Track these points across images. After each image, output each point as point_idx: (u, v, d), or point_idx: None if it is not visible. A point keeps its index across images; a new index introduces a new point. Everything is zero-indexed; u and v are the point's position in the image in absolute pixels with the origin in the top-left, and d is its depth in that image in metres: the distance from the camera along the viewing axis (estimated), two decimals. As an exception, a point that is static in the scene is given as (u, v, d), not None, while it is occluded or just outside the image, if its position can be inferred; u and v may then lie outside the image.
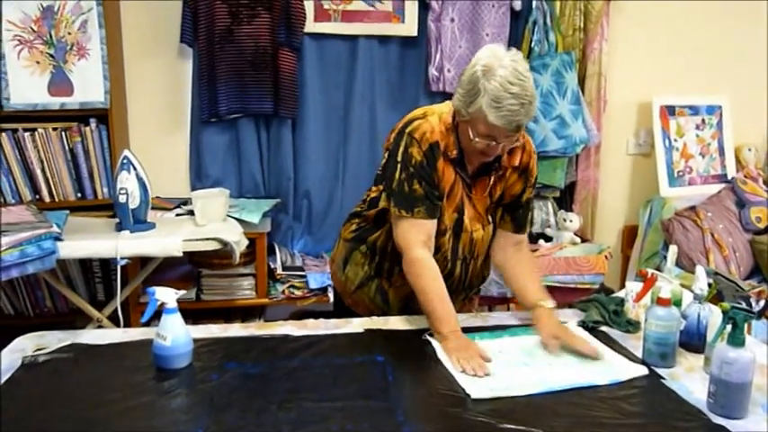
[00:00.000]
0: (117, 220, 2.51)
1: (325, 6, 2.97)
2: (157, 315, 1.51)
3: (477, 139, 1.57)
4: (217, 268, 2.83)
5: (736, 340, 1.30)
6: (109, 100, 2.69)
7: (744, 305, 1.43)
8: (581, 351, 1.55)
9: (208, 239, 2.45)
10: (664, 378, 1.47)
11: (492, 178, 1.70)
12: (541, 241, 3.16)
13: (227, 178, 3.08)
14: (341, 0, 2.97)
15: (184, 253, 2.43)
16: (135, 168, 2.44)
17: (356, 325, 1.72)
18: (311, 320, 1.74)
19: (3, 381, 1.40)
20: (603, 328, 1.73)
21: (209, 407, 1.32)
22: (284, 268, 2.96)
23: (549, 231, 3.24)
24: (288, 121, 3.03)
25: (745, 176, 3.36)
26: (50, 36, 2.64)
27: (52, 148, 2.71)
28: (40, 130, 2.69)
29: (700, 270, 1.66)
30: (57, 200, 2.74)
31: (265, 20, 2.89)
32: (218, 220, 2.64)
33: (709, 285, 1.67)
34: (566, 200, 3.36)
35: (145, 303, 1.52)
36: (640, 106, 3.44)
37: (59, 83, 2.67)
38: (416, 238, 1.63)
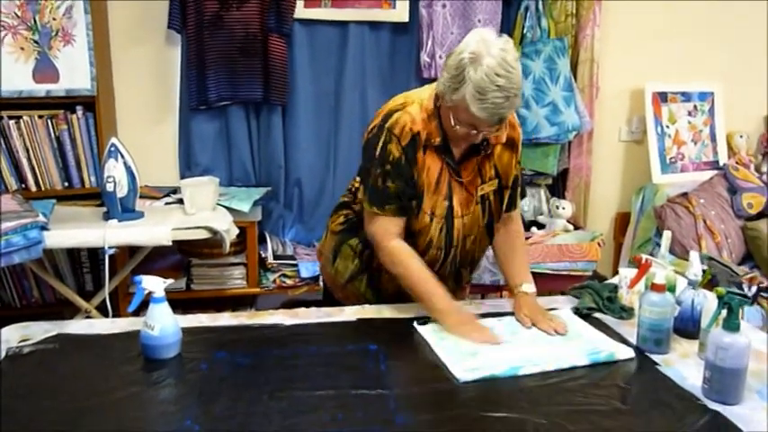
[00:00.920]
0: (105, 209, 2.48)
1: (316, -9, 2.94)
2: (147, 305, 1.48)
3: (458, 127, 1.54)
4: (207, 257, 2.80)
5: (732, 325, 1.30)
6: (95, 87, 2.65)
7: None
8: (546, 330, 1.60)
9: (197, 228, 2.43)
10: (658, 364, 1.46)
11: (480, 157, 1.67)
12: (534, 228, 3.15)
13: (217, 166, 3.04)
14: (331, -15, 2.94)
15: (174, 242, 2.41)
16: (123, 156, 2.41)
17: (348, 314, 1.70)
18: (303, 309, 1.73)
19: (-13, 372, 1.38)
20: (597, 315, 1.72)
21: (199, 397, 1.30)
22: (275, 257, 2.93)
23: (541, 219, 3.23)
24: (278, 108, 3.00)
25: (737, 163, 3.36)
26: (35, 21, 2.59)
27: (38, 136, 2.66)
28: (26, 118, 2.64)
29: (694, 255, 1.65)
30: (43, 189, 2.70)
31: (255, 5, 2.85)
32: (207, 208, 2.61)
33: (703, 271, 1.66)
34: (558, 187, 3.35)
35: (133, 293, 1.49)
36: (633, 93, 3.43)
37: (44, 69, 2.62)
38: (390, 229, 1.64)
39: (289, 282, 2.89)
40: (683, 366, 1.45)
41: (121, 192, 2.41)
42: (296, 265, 2.90)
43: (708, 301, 1.56)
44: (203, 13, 2.83)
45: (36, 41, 2.60)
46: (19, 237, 2.14)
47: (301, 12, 2.92)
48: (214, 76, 2.89)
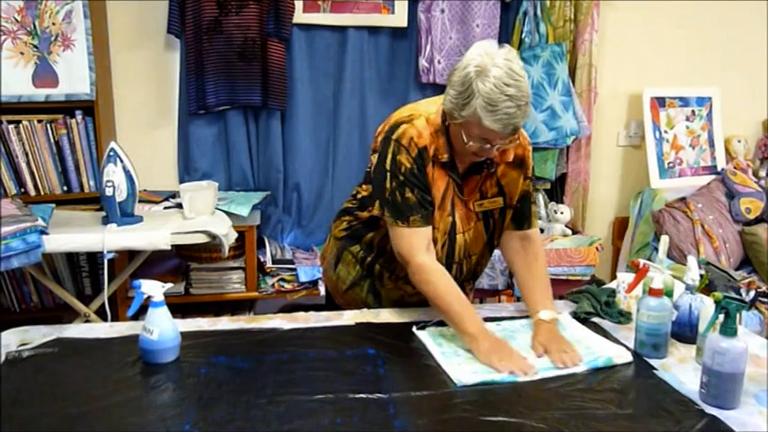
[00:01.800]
0: (104, 213, 2.47)
1: (314, -3, 2.94)
2: (146, 309, 1.48)
3: (470, 143, 1.51)
4: (206, 262, 2.80)
5: (729, 330, 1.30)
6: (95, 92, 2.65)
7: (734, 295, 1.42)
8: (555, 363, 1.48)
9: (196, 232, 2.42)
10: (656, 369, 1.47)
11: (483, 175, 1.65)
12: (532, 233, 3.15)
13: (216, 171, 3.05)
14: (330, -10, 2.95)
15: (173, 246, 2.40)
16: (122, 161, 2.40)
17: (347, 318, 1.71)
18: (301, 313, 1.73)
19: (-14, 377, 1.38)
20: (595, 320, 1.73)
21: (197, 401, 1.30)
22: (274, 261, 2.93)
23: (540, 223, 3.24)
24: (277, 113, 3.01)
25: (735, 168, 3.37)
26: (34, 26, 2.59)
27: (37, 140, 2.67)
28: (25, 123, 2.65)
29: (692, 260, 1.65)
30: (42, 193, 2.70)
31: (254, 11, 2.86)
32: (206, 213, 2.61)
33: (701, 276, 1.67)
34: (556, 192, 3.36)
35: (132, 297, 1.49)
36: (631, 98, 3.44)
37: (44, 74, 2.62)
38: (418, 244, 1.58)
39: (287, 286, 2.89)
40: (681, 371, 1.46)
41: (120, 196, 2.40)
42: (294, 270, 2.90)
43: (705, 306, 1.56)
44: (202, 18, 2.84)
45: (35, 46, 2.61)
46: (18, 241, 2.13)
47: (300, 17, 2.93)
48: (213, 81, 2.90)
